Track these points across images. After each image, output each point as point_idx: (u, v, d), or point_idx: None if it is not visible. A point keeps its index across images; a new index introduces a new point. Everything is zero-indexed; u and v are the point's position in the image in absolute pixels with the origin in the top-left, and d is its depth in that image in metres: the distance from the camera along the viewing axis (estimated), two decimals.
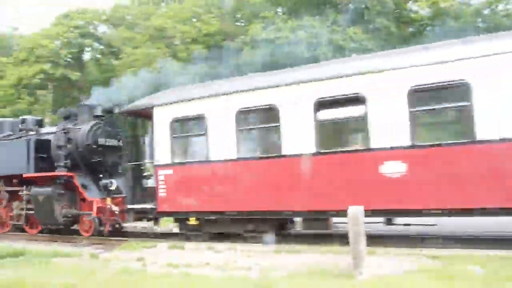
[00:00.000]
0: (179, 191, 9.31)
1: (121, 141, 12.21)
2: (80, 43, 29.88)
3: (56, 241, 10.90)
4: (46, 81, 29.51)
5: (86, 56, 33.30)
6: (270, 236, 8.35)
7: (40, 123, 13.26)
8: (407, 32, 21.69)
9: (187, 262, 7.08)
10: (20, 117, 13.51)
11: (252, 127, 9.23)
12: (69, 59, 30.70)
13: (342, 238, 7.33)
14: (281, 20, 20.59)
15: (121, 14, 30.02)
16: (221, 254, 7.68)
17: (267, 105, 8.55)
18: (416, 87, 7.18)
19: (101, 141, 11.49)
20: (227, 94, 9.08)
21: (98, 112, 11.81)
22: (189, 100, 9.44)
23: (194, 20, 24.43)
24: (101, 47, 31.93)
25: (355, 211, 5.82)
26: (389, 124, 7.29)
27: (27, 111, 27.44)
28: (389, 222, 7.93)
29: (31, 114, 26.73)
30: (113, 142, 11.84)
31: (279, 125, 8.32)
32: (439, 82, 7.06)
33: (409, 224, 7.94)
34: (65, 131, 11.58)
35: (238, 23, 26.55)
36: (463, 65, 6.92)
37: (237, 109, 8.79)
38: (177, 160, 9.38)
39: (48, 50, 28.15)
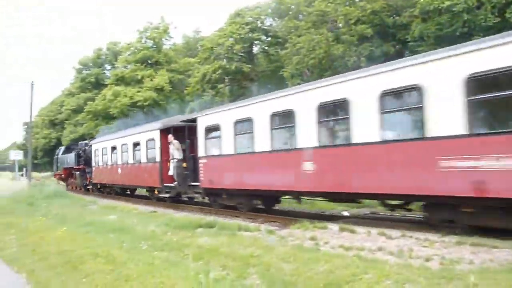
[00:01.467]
0: (98, 175, 24.47)
1: None
2: (250, 37, 32.52)
3: (239, 217, 12.34)
4: (223, 75, 33.29)
5: (255, 49, 36.07)
6: None
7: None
8: None
9: (359, 246, 7.09)
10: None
11: None
12: (241, 54, 33.82)
13: None
14: None
15: (285, 5, 31.31)
16: (394, 240, 7.41)
17: None
18: None
19: None
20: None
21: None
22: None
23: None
24: (268, 39, 34.04)
25: None
26: None
27: (210, 103, 31.64)
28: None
29: (213, 105, 30.79)
30: None
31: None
32: None
33: None
34: (84, 149, 27.66)
35: None
36: None
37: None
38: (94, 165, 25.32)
39: (224, 48, 31.61)
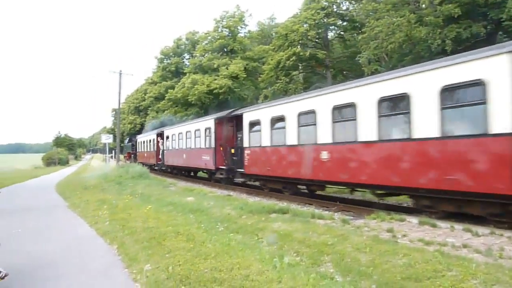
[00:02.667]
0: (139, 157, 41.22)
1: None
2: (325, 22, 31.69)
3: (312, 204, 12.31)
4: (297, 62, 32.96)
5: (330, 34, 35.13)
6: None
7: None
8: None
9: (441, 241, 6.69)
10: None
11: None
12: (316, 40, 33.18)
13: None
14: None
15: None
16: (482, 238, 6.88)
17: None
18: None
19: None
20: None
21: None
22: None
23: None
24: (344, 23, 32.92)
25: None
26: None
27: (283, 90, 31.65)
28: None
29: (286, 93, 30.66)
30: None
31: None
32: None
33: None
34: (136, 140, 44.84)
35: None
36: None
37: None
38: (138, 151, 43.56)
39: (299, 34, 31.22)
